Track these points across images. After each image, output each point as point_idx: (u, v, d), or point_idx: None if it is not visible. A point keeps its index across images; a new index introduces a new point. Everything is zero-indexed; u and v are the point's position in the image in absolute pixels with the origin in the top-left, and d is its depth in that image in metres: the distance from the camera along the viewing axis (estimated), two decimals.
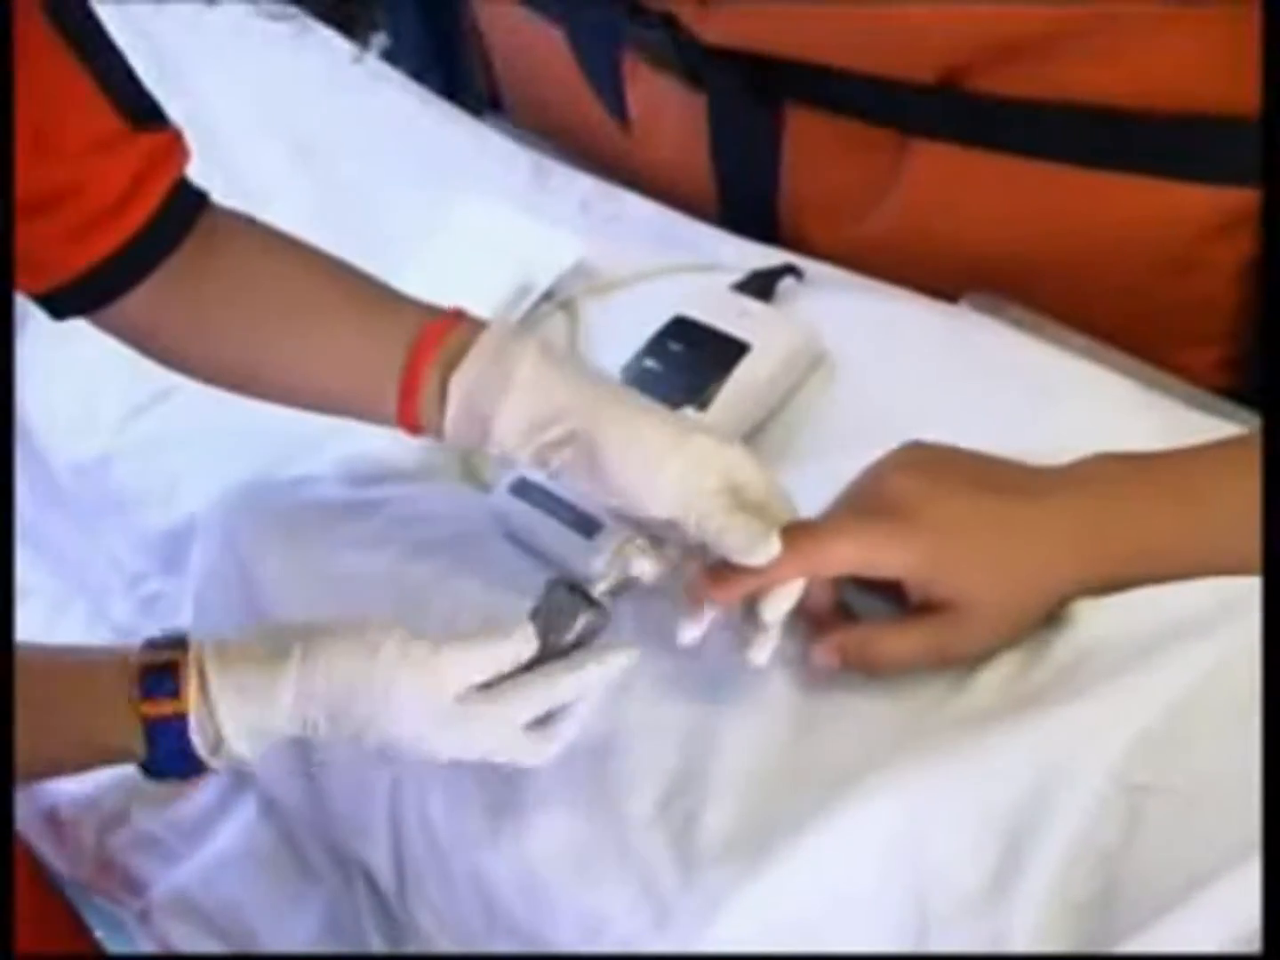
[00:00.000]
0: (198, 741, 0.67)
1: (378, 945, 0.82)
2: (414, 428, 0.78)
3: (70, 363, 1.03)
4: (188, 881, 0.92)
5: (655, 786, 0.72)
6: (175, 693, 0.67)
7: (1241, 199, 0.92)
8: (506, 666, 0.69)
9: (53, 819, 1.00)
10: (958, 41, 0.92)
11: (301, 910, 0.87)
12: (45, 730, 0.68)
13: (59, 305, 0.79)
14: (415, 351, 0.76)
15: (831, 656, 0.72)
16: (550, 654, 0.70)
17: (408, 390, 0.77)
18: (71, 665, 0.71)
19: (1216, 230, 0.95)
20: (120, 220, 0.75)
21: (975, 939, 0.64)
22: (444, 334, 0.76)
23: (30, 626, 1.03)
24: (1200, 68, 0.88)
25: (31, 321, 1.04)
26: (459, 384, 0.75)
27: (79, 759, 0.72)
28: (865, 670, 0.72)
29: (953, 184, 1.00)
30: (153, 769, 0.68)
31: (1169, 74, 0.89)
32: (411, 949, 0.80)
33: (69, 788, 1.01)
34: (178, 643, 0.69)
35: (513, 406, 0.74)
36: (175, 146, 0.78)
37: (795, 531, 0.71)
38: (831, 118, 1.04)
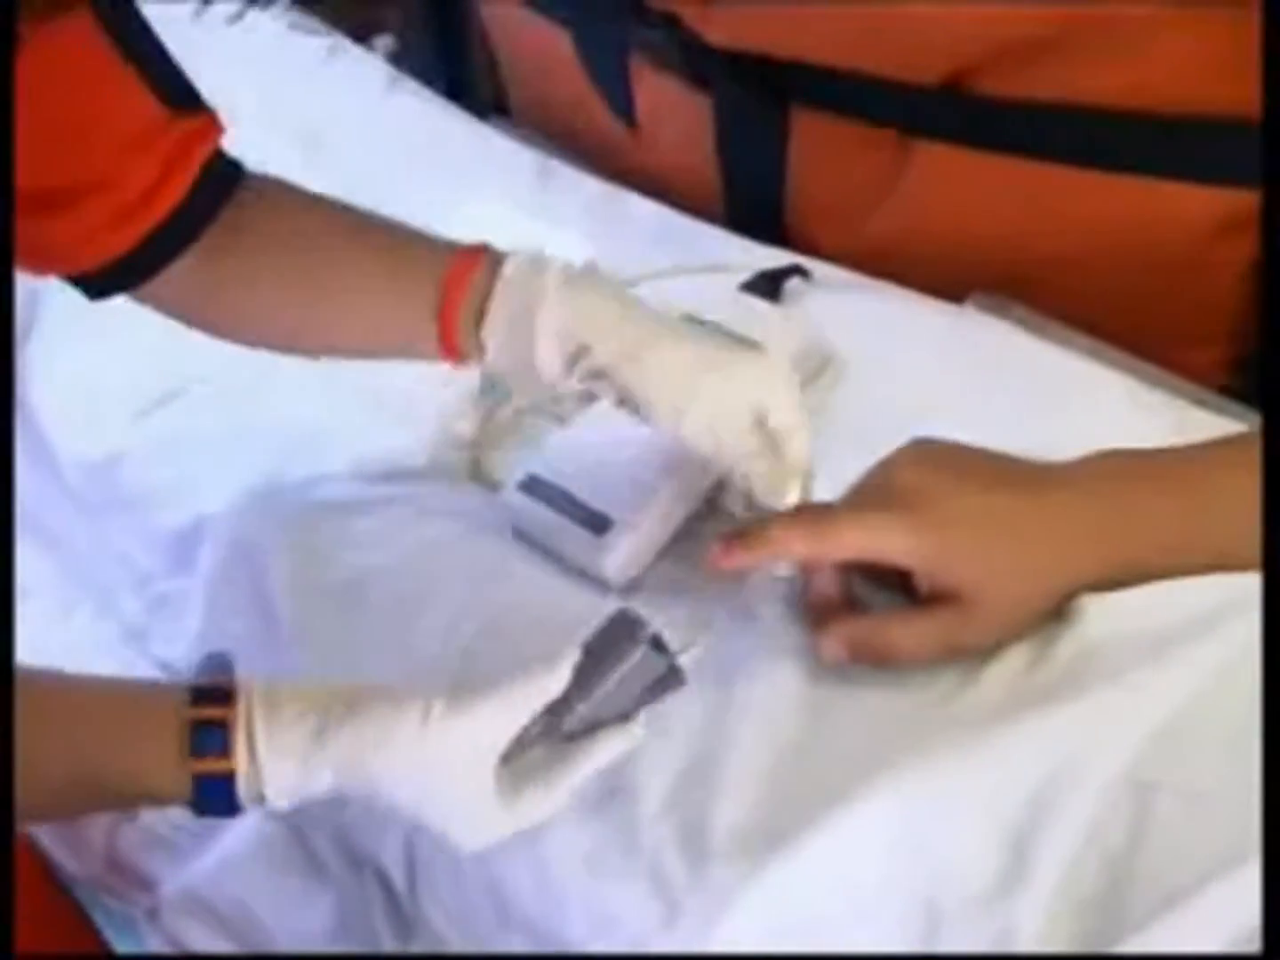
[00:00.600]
0: (243, 795, 0.67)
1: (388, 942, 0.82)
2: (457, 355, 0.79)
3: (80, 362, 1.03)
4: (198, 879, 0.92)
5: (664, 784, 0.72)
6: (224, 751, 0.66)
7: (1243, 200, 0.92)
8: (539, 706, 0.68)
9: None
10: (961, 43, 0.93)
11: (312, 907, 0.87)
12: (85, 775, 0.68)
13: (93, 288, 0.79)
14: (447, 285, 0.77)
15: (840, 648, 0.72)
16: (587, 687, 0.68)
17: (447, 321, 0.77)
18: (115, 709, 0.70)
19: (1219, 231, 0.95)
20: (154, 205, 0.76)
21: (982, 936, 0.65)
22: (474, 264, 0.78)
23: (34, 624, 1.04)
24: (1202, 69, 0.88)
25: (40, 321, 1.05)
26: (499, 301, 0.76)
27: (120, 802, 0.71)
28: (874, 662, 0.72)
29: (957, 185, 1.01)
30: (197, 811, 0.68)
31: (1171, 76, 0.89)
32: (422, 946, 0.80)
33: None
34: (226, 695, 0.67)
35: (552, 309, 0.75)
36: (210, 126, 0.78)
37: (807, 513, 0.71)
38: (836, 119, 1.04)
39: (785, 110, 1.06)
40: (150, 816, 0.96)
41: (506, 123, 1.33)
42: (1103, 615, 0.71)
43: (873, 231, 1.06)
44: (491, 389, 0.95)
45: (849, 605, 0.75)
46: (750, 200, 1.14)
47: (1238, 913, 0.60)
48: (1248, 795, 0.62)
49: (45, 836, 1.01)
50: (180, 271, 0.79)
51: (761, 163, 1.10)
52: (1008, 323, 0.97)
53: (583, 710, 0.68)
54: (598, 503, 0.82)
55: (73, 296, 0.81)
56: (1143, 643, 0.70)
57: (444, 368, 0.80)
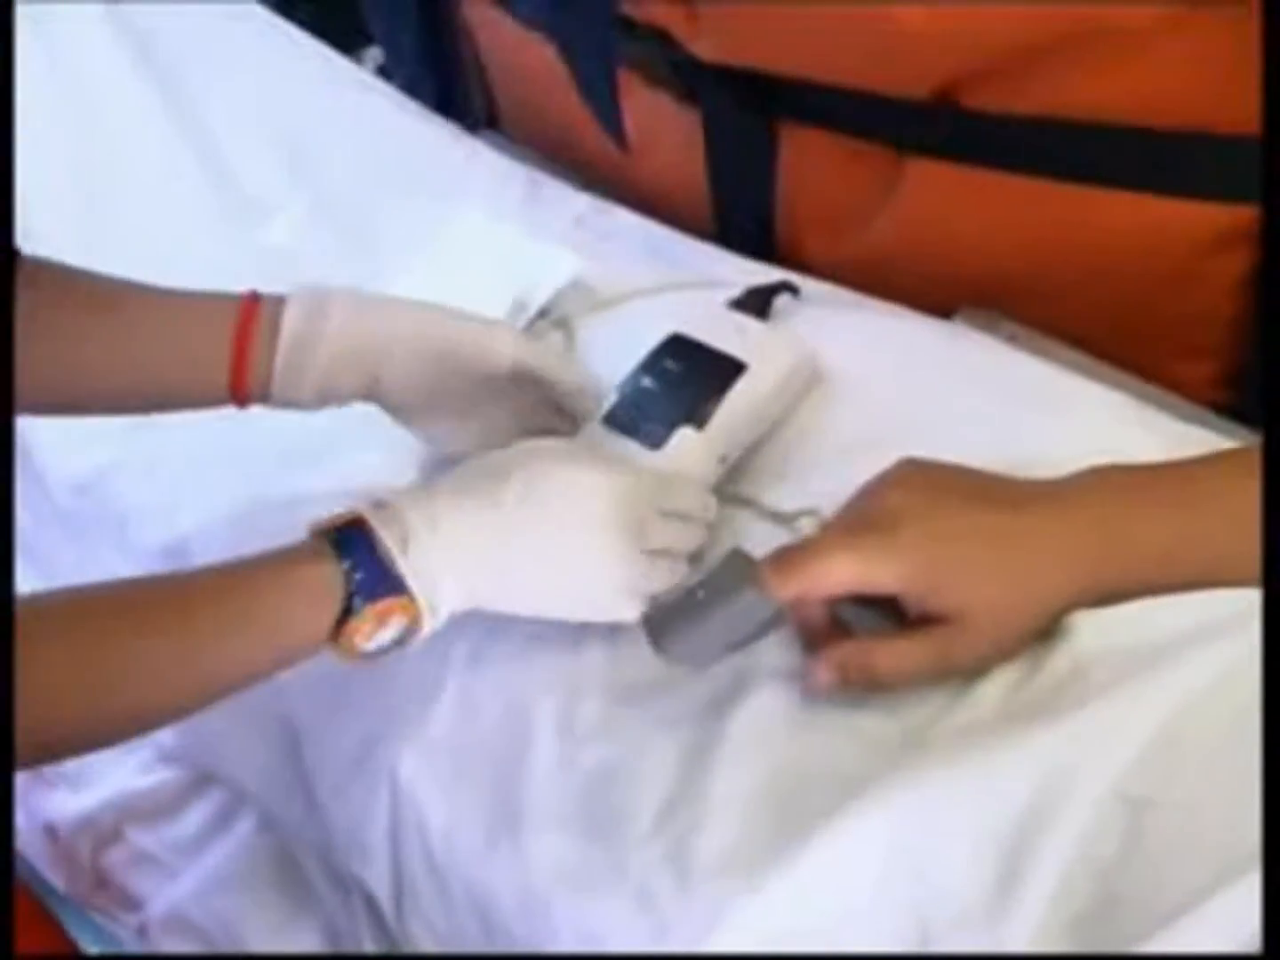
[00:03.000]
0: (381, 533, 0.70)
1: None
2: (245, 385, 0.82)
3: None
4: (184, 898, 0.92)
5: (652, 802, 0.72)
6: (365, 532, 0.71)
7: (1236, 214, 0.92)
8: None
9: (50, 835, 1.00)
10: (952, 55, 0.92)
11: (299, 927, 0.87)
12: (241, 636, 0.70)
13: None
14: (242, 314, 0.81)
15: (832, 672, 0.72)
16: (698, 618, 0.72)
17: (241, 343, 0.81)
18: (256, 569, 0.72)
19: (1211, 245, 0.95)
20: None
21: (973, 952, 0.64)
22: (260, 299, 0.82)
23: None
24: (1195, 83, 0.88)
25: None
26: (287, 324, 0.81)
27: (276, 656, 0.72)
28: (866, 685, 0.72)
29: (947, 200, 1.01)
30: (359, 594, 0.70)
31: (1164, 89, 0.89)
32: None
33: (65, 805, 1.01)
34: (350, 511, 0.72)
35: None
36: None
37: (793, 551, 0.71)
38: (826, 134, 1.04)
39: (775, 125, 1.06)
40: (136, 835, 0.96)
41: (496, 136, 1.33)
42: (1093, 631, 0.71)
43: (863, 246, 1.06)
44: None
45: (838, 630, 0.75)
46: (740, 215, 1.14)
47: (1230, 926, 0.60)
48: (1238, 809, 0.62)
49: (35, 854, 1.01)
50: None
51: (751, 178, 1.10)
52: (998, 338, 0.97)
53: (688, 638, 0.72)
54: None
55: None
56: (1133, 658, 0.70)
57: None
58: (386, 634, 0.71)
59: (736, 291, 0.96)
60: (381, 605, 0.70)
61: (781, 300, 0.97)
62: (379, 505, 0.72)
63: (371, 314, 0.83)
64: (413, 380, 0.83)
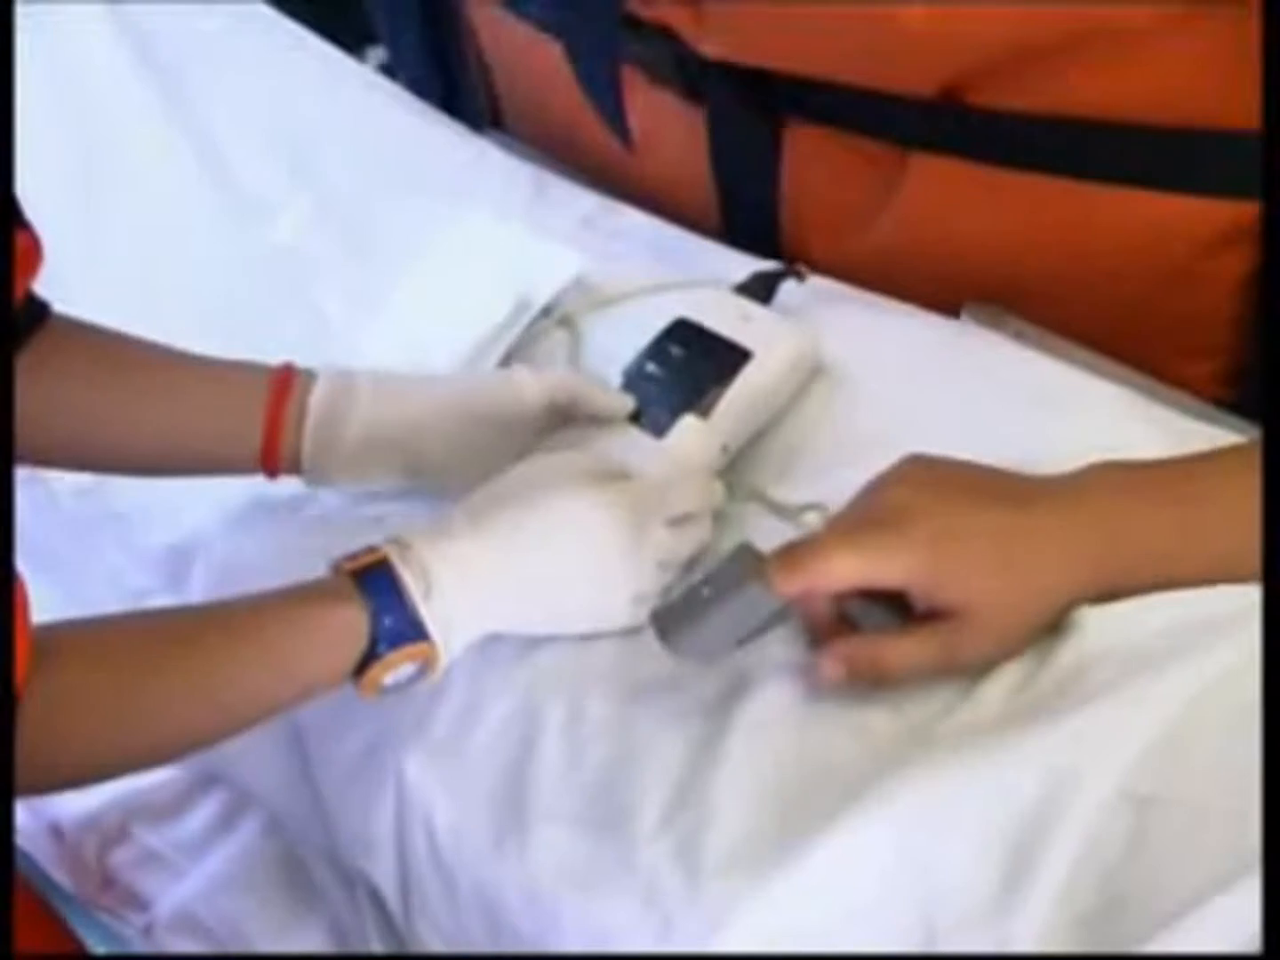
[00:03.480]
0: (407, 579, 0.71)
1: None
2: (277, 469, 0.85)
3: None
4: (191, 898, 0.91)
5: (660, 800, 0.72)
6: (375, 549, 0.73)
7: (1240, 212, 0.92)
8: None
9: (56, 834, 1.00)
10: (955, 55, 0.92)
11: (306, 927, 0.87)
12: (263, 675, 0.71)
13: None
14: (273, 391, 0.83)
15: (839, 667, 0.72)
16: (703, 613, 0.72)
17: (272, 424, 0.83)
18: (278, 607, 0.72)
19: (1215, 243, 0.95)
20: None
21: (980, 950, 0.64)
22: (293, 375, 0.84)
23: None
24: (1199, 81, 0.88)
25: None
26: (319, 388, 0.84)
27: (297, 692, 0.73)
28: (873, 680, 0.72)
29: (952, 198, 1.00)
30: (384, 640, 0.71)
31: (1166, 87, 0.89)
32: None
33: (70, 804, 1.01)
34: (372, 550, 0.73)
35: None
36: (30, 253, 0.78)
37: (799, 547, 0.71)
38: (831, 132, 1.04)
39: (779, 123, 1.06)
40: (143, 834, 0.96)
41: (502, 136, 1.33)
42: (1097, 629, 0.71)
43: (868, 244, 1.06)
44: None
45: (845, 624, 0.75)
46: (745, 213, 1.13)
47: (1235, 926, 0.60)
48: (1244, 807, 0.62)
49: (39, 853, 1.01)
50: None
51: (756, 176, 1.10)
52: (1003, 334, 0.97)
53: (695, 633, 0.73)
54: None
55: None
56: (1138, 656, 0.69)
57: None
58: (405, 673, 0.73)
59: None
60: (404, 651, 0.72)
61: (787, 297, 0.97)
62: (401, 545, 0.73)
63: (396, 399, 0.85)
64: (449, 453, 0.85)
